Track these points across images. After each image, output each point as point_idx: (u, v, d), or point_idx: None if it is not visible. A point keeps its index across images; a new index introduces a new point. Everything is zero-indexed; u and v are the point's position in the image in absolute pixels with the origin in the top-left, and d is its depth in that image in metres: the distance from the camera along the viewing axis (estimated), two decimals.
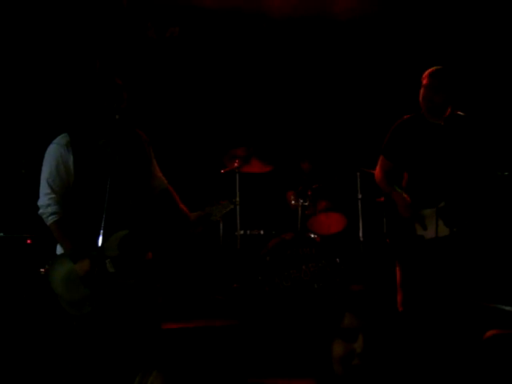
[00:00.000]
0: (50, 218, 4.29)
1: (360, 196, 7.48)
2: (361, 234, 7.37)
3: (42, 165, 4.40)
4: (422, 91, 5.28)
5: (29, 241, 6.67)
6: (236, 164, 7.10)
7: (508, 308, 6.11)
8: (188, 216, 4.58)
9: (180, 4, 7.44)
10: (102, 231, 4.26)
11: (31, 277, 6.35)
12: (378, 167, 5.55)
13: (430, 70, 5.30)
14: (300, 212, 7.08)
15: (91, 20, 7.31)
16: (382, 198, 6.96)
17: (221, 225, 7.30)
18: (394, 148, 5.40)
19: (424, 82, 5.29)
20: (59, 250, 4.40)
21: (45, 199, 4.31)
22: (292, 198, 7.15)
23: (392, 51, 7.56)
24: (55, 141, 4.37)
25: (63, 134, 4.36)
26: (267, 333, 6.36)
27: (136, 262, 4.45)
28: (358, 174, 7.51)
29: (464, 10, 7.72)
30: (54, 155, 4.35)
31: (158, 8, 7.57)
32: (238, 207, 7.27)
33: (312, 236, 6.97)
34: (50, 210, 4.29)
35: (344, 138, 7.42)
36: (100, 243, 4.28)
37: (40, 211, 4.34)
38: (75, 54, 6.93)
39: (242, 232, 7.40)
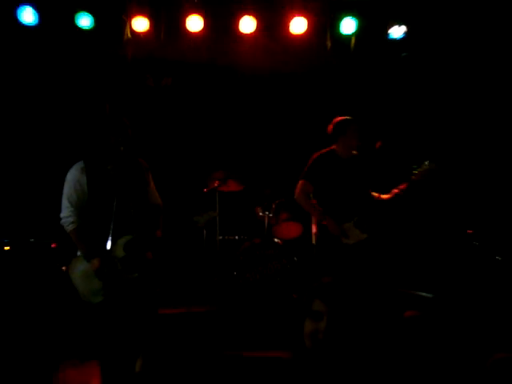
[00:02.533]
0: (69, 226, 4.28)
1: None
2: (313, 240, 6.88)
3: (62, 186, 4.34)
4: (344, 139, 5.26)
5: (53, 245, 6.46)
6: (216, 184, 6.94)
7: (421, 293, 6.07)
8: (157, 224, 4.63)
9: (172, 60, 7.24)
10: (110, 237, 4.23)
11: (55, 274, 6.13)
12: (298, 190, 5.44)
13: (353, 122, 5.32)
14: (266, 222, 6.97)
15: (103, 72, 7.11)
16: None
17: (204, 232, 7.08)
18: (315, 175, 5.36)
19: (348, 130, 5.27)
20: (79, 252, 4.35)
21: (65, 212, 4.30)
22: (259, 210, 7.03)
23: (331, 96, 7.40)
24: (73, 167, 4.36)
25: (79, 162, 4.35)
26: (242, 316, 6.21)
27: (138, 260, 4.36)
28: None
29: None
30: (72, 178, 4.33)
31: (155, 62, 7.38)
32: (217, 218, 7.09)
33: (275, 240, 6.85)
34: (69, 220, 4.28)
35: (297, 164, 6.62)
36: (109, 246, 4.25)
37: (61, 221, 4.32)
38: (90, 99, 6.81)
39: (220, 237, 7.28)
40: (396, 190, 5.40)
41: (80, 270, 4.31)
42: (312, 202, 5.50)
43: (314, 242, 7.10)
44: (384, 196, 5.50)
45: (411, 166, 5.45)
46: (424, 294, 6.21)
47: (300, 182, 5.46)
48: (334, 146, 5.43)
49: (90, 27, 6.52)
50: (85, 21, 6.46)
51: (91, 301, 4.30)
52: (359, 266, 5.34)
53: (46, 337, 5.36)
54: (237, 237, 7.54)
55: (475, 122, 7.10)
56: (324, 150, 5.45)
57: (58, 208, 4.38)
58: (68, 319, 5.47)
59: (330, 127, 5.45)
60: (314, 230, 5.93)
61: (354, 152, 5.45)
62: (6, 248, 6.47)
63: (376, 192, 5.57)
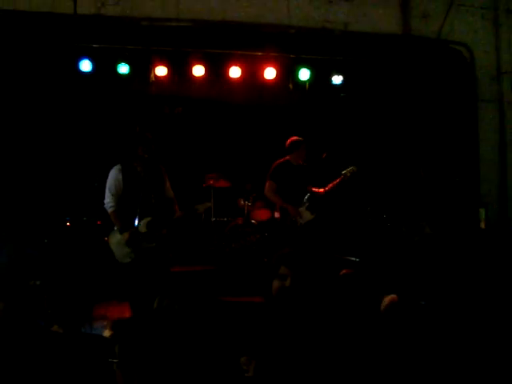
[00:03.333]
0: (110, 209, 4.91)
1: None
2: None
3: (106, 181, 5.01)
4: (296, 153, 6.13)
5: (99, 222, 7.16)
6: (211, 182, 7.82)
7: (352, 258, 6.62)
8: (176, 211, 5.13)
9: (182, 95, 8.13)
10: (137, 217, 4.85)
11: (100, 242, 6.62)
12: (266, 187, 6.18)
13: (303, 142, 6.20)
14: (246, 208, 7.68)
15: (135, 103, 7.94)
16: None
17: (202, 215, 7.81)
18: (276, 176, 6.11)
19: (301, 148, 6.16)
20: (115, 228, 4.94)
21: (107, 199, 4.92)
22: (241, 200, 7.78)
23: (292, 122, 8.21)
24: (113, 168, 5.00)
25: (118, 165, 5.00)
26: (230, 273, 6.93)
27: (156, 234, 4.92)
28: None
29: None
30: (112, 175, 4.96)
31: (170, 97, 8.20)
32: (212, 205, 7.78)
33: (252, 221, 7.65)
34: (109, 204, 4.90)
35: (268, 168, 7.65)
36: (136, 224, 4.86)
37: (104, 205, 4.95)
38: (127, 123, 7.44)
39: (214, 219, 8.03)
40: (331, 184, 6.26)
41: (115, 239, 4.90)
42: (275, 195, 6.13)
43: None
44: (324, 188, 6.30)
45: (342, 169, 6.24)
46: (353, 258, 6.62)
47: (267, 182, 6.20)
48: (288, 157, 6.22)
49: (127, 73, 7.14)
50: (123, 68, 7.09)
51: (122, 261, 4.89)
52: (310, 238, 5.97)
53: (94, 284, 5.68)
54: (225, 218, 8.04)
55: (387, 140, 7.93)
56: (281, 160, 6.21)
57: (102, 196, 5.01)
58: (108, 274, 5.90)
59: (287, 143, 6.26)
60: (276, 215, 6.36)
61: (301, 162, 6.23)
62: (68, 224, 7.22)
63: (318, 187, 6.30)
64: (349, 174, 6.25)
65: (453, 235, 5.74)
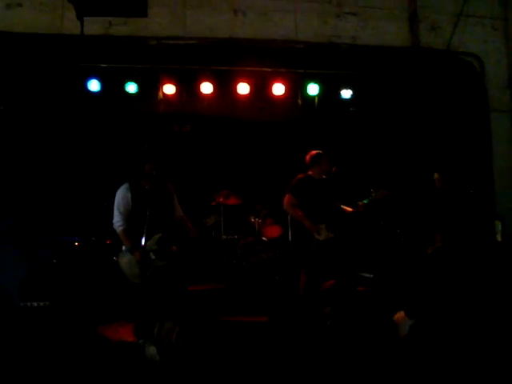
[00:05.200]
0: (119, 228, 4.86)
1: (289, 216, 7.46)
2: (289, 238, 7.69)
3: (114, 200, 4.97)
4: (318, 167, 5.92)
5: (108, 241, 7.02)
6: (221, 199, 7.70)
7: (366, 274, 6.76)
8: (191, 229, 5.08)
9: (190, 113, 8.07)
10: (144, 236, 4.74)
11: (109, 262, 6.30)
12: (285, 201, 5.88)
13: (323, 155, 5.98)
14: (256, 225, 7.62)
15: (144, 121, 7.85)
16: None
17: (213, 232, 7.81)
18: (297, 191, 5.85)
19: (323, 162, 5.95)
20: (124, 247, 4.87)
21: (115, 218, 4.88)
22: (252, 217, 7.72)
23: (302, 137, 8.13)
24: (122, 186, 4.97)
25: (126, 183, 4.97)
26: (241, 291, 6.80)
27: (166, 251, 4.85)
28: None
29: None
30: (120, 194, 4.93)
31: (179, 115, 8.14)
32: (222, 222, 7.71)
33: (263, 239, 7.54)
34: (118, 223, 4.86)
35: (278, 185, 7.40)
36: (143, 242, 4.75)
37: (113, 225, 4.90)
38: (135, 143, 6.93)
39: (224, 236, 7.90)
40: (356, 207, 6.03)
41: (126, 259, 4.80)
42: (295, 208, 5.85)
43: (290, 239, 7.68)
44: (348, 209, 6.08)
45: (369, 189, 6.02)
46: (367, 274, 6.76)
47: (287, 195, 5.92)
48: (309, 172, 5.98)
49: (135, 92, 7.18)
50: (131, 87, 7.13)
51: (134, 281, 4.79)
52: (325, 256, 5.75)
53: (102, 304, 5.93)
54: (236, 236, 7.93)
55: (398, 153, 7.81)
56: (303, 174, 5.97)
57: (111, 215, 4.93)
58: (117, 294, 5.83)
59: (308, 158, 6.01)
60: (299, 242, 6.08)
61: (324, 176, 6.01)
62: (76, 243, 7.05)
63: (343, 204, 6.09)
64: (379, 197, 6.03)
65: (468, 248, 5.59)
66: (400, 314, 3.41)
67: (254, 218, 7.66)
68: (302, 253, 5.90)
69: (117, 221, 4.87)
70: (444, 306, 3.36)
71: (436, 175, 5.98)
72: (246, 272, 7.26)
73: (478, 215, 5.92)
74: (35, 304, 5.90)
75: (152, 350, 3.31)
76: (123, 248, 4.88)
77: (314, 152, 6.07)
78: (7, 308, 5.62)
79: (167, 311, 4.59)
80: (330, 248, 5.78)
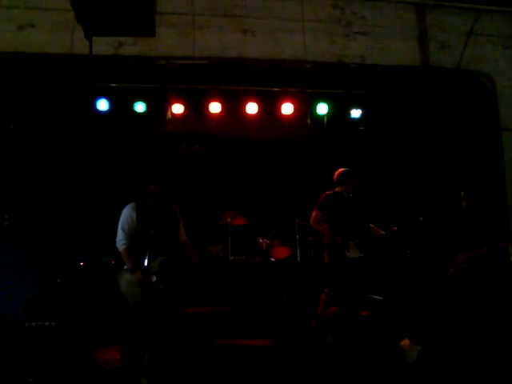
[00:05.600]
0: (121, 247, 4.76)
1: (297, 237, 7.94)
2: (298, 259, 7.83)
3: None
4: (346, 184, 5.84)
5: (113, 261, 7.07)
6: (228, 219, 7.70)
7: (375, 297, 6.53)
8: (194, 256, 4.92)
9: (199, 132, 8.12)
10: (147, 256, 4.62)
11: (114, 282, 6.53)
12: (313, 217, 5.77)
13: (351, 172, 5.92)
14: (264, 246, 7.57)
15: (152, 141, 7.97)
16: (311, 238, 7.74)
17: (220, 253, 7.69)
18: (325, 207, 5.75)
19: (350, 179, 5.88)
20: (126, 266, 4.77)
21: (119, 237, 4.79)
22: (259, 238, 7.68)
23: (311, 157, 8.30)
24: (127, 206, 4.90)
25: (132, 202, 4.91)
26: (248, 313, 6.70)
27: (168, 274, 4.74)
28: (296, 224, 8.03)
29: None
30: (126, 213, 4.85)
31: (187, 134, 8.23)
32: (230, 243, 7.73)
33: (271, 260, 7.51)
34: (121, 242, 4.76)
35: (287, 205, 8.02)
36: (146, 263, 4.63)
37: (116, 243, 4.80)
38: (143, 162, 7.41)
39: (232, 257, 7.89)
40: (390, 232, 5.92)
41: (126, 279, 4.72)
42: (322, 224, 5.75)
43: (298, 260, 7.86)
44: (379, 231, 5.93)
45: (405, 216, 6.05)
46: (376, 297, 6.50)
47: (314, 211, 5.83)
48: (337, 189, 5.93)
49: (144, 112, 7.25)
50: (140, 107, 7.21)
51: (133, 302, 4.69)
52: (353, 275, 5.60)
53: (104, 325, 5.92)
54: (244, 257, 7.90)
55: (409, 172, 7.75)
56: (331, 191, 5.93)
57: (115, 236, 4.79)
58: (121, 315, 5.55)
59: (335, 175, 5.98)
60: (325, 259, 5.89)
61: (351, 194, 5.90)
62: (81, 263, 7.08)
63: (374, 225, 5.95)
64: (414, 227, 6.06)
65: (488, 271, 5.50)
66: (406, 341, 3.37)
67: (262, 239, 7.62)
68: (328, 270, 5.76)
69: (120, 239, 4.81)
70: (462, 329, 3.24)
71: (462, 193, 5.87)
72: (253, 293, 7.19)
73: (497, 236, 5.72)
74: (40, 324, 5.79)
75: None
76: (124, 267, 4.81)
77: (341, 169, 6.03)
78: (12, 328, 5.75)
79: (160, 337, 4.50)
80: (357, 268, 5.63)
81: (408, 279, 6.65)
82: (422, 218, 5.95)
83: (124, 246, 4.78)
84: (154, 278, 4.68)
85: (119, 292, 4.74)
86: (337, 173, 6.01)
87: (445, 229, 6.03)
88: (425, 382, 3.03)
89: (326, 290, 5.74)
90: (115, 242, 4.83)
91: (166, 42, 6.66)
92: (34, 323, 5.79)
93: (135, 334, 4.63)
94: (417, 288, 6.13)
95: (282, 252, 7.66)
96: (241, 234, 7.98)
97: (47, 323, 5.79)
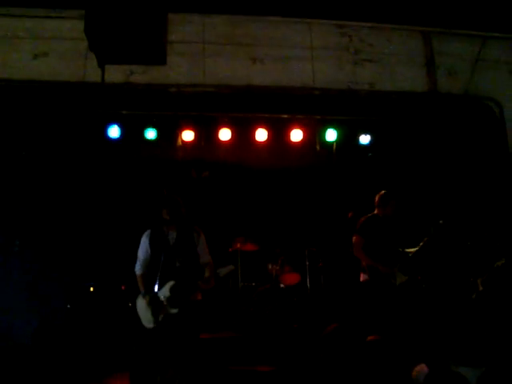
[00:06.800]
0: (137, 273, 4.95)
1: (307, 263, 7.94)
2: (308, 285, 7.81)
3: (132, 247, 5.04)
4: (388, 208, 5.83)
5: (123, 287, 7.18)
6: (238, 245, 7.81)
7: None
8: (206, 279, 4.82)
9: (209, 159, 8.22)
10: (157, 282, 4.73)
11: (125, 307, 6.86)
12: (355, 245, 5.73)
13: (392, 196, 5.94)
14: (274, 273, 7.64)
15: (163, 167, 8.09)
16: (321, 264, 7.77)
17: (230, 280, 7.77)
18: (365, 231, 5.74)
19: (391, 203, 5.87)
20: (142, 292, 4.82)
21: (136, 263, 4.96)
22: (269, 265, 7.74)
23: (320, 183, 8.37)
24: (144, 233, 5.01)
25: (148, 230, 5.01)
26: (258, 340, 6.65)
27: (180, 299, 4.69)
28: (306, 250, 8.02)
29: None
30: (142, 241, 4.99)
31: (197, 161, 8.31)
32: (239, 269, 7.73)
33: (281, 286, 7.56)
34: (137, 268, 4.95)
35: (296, 231, 8.05)
36: (156, 289, 4.73)
37: (135, 269, 4.95)
38: (155, 188, 7.46)
39: (241, 284, 7.87)
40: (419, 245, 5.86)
41: (140, 304, 4.81)
42: (364, 253, 5.68)
43: (308, 287, 7.76)
44: (411, 250, 5.89)
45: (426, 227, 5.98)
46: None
47: (355, 237, 5.79)
48: (376, 211, 5.95)
49: (155, 138, 7.37)
50: (151, 134, 7.33)
51: (148, 326, 4.73)
52: (406, 300, 5.57)
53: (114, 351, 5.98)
54: (253, 283, 7.90)
55: (417, 198, 7.76)
56: (369, 214, 5.94)
57: (126, 261, 5.16)
58: (130, 341, 5.85)
59: (377, 197, 5.99)
60: (362, 277, 5.87)
61: (390, 217, 5.89)
62: (91, 289, 7.16)
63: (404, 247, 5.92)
64: (436, 234, 6.05)
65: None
66: (421, 367, 3.24)
67: (272, 265, 7.65)
68: (378, 298, 5.62)
69: (136, 265, 4.97)
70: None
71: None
72: (263, 320, 7.16)
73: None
74: (49, 349, 5.92)
75: None
76: (141, 292, 4.90)
77: (383, 192, 6.04)
78: (21, 354, 5.74)
79: (172, 360, 4.52)
80: (408, 293, 5.61)
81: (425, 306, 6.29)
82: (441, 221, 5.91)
83: (138, 273, 4.95)
84: (165, 302, 4.68)
85: (133, 317, 4.83)
86: (378, 195, 6.02)
87: (460, 254, 6.05)
88: None
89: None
90: (126, 270, 5.09)
91: (176, 70, 6.77)
92: (42, 349, 5.91)
93: (147, 359, 4.65)
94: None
95: (291, 278, 7.67)
96: (251, 260, 8.01)
97: (56, 349, 5.89)
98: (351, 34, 6.90)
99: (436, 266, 6.34)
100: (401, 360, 3.44)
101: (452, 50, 6.87)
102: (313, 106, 7.23)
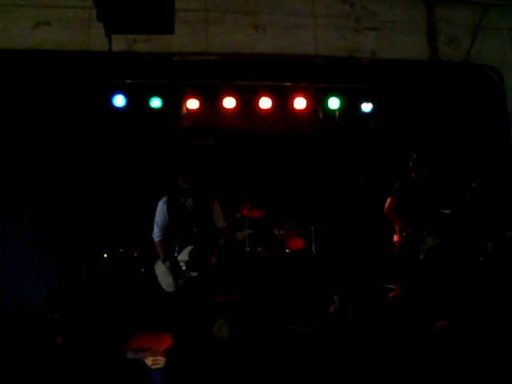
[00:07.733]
0: (156, 239, 5.12)
1: (312, 228, 8.07)
2: (313, 250, 7.98)
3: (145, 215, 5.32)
4: (422, 170, 5.78)
5: (135, 253, 7.29)
6: (245, 212, 7.97)
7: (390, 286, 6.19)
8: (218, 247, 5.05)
9: (214, 127, 8.29)
10: (177, 247, 4.95)
11: (137, 273, 7.07)
12: (388, 206, 5.75)
13: (426, 157, 5.84)
14: (280, 238, 7.84)
15: (168, 136, 8.21)
16: (325, 229, 7.93)
17: (237, 246, 7.90)
18: (400, 194, 5.74)
19: (424, 163, 5.80)
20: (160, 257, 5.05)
21: (154, 230, 5.12)
22: (275, 230, 7.95)
23: (323, 150, 8.52)
24: (161, 200, 5.18)
25: (164, 197, 5.17)
26: (262, 303, 6.66)
27: (199, 263, 4.91)
28: (311, 216, 8.14)
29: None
30: (159, 207, 5.14)
31: (202, 129, 8.38)
32: (247, 236, 7.39)
33: (286, 251, 7.74)
34: (155, 235, 5.11)
35: (302, 198, 8.16)
36: (176, 253, 4.95)
37: (152, 236, 5.12)
38: (160, 156, 7.85)
39: (248, 249, 8.04)
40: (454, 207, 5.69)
41: (161, 269, 5.03)
42: (397, 215, 5.71)
43: (313, 251, 8.00)
44: (446, 211, 5.77)
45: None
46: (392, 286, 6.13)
47: (389, 199, 5.79)
48: (413, 174, 5.91)
49: (160, 107, 7.44)
50: (156, 102, 7.41)
51: (168, 290, 4.97)
52: (433, 265, 5.52)
53: (132, 313, 6.05)
54: (260, 248, 8.06)
55: None
56: (406, 178, 5.91)
57: (140, 228, 5.37)
58: (146, 303, 6.16)
59: (411, 162, 5.93)
60: (395, 238, 5.98)
61: (428, 181, 5.83)
62: (105, 255, 7.31)
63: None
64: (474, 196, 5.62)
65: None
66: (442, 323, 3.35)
67: (278, 231, 7.82)
68: (406, 264, 5.74)
69: (155, 232, 5.11)
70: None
71: (474, 184, 5.75)
72: (268, 284, 7.33)
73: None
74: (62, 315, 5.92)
75: None
76: (160, 258, 5.08)
77: (415, 155, 6.02)
78: (36, 320, 5.90)
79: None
80: (438, 259, 5.55)
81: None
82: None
83: (157, 239, 5.10)
84: (184, 267, 4.89)
85: (149, 282, 5.16)
86: (413, 158, 6.00)
87: (469, 219, 6.01)
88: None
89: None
90: (139, 236, 5.28)
91: (179, 39, 6.78)
92: (55, 314, 6.01)
93: (181, 318, 4.81)
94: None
95: (297, 243, 7.84)
96: (257, 226, 8.09)
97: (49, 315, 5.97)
98: (353, 1, 6.94)
99: (462, 230, 6.25)
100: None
101: (453, 17, 6.95)
102: (316, 74, 7.31)
